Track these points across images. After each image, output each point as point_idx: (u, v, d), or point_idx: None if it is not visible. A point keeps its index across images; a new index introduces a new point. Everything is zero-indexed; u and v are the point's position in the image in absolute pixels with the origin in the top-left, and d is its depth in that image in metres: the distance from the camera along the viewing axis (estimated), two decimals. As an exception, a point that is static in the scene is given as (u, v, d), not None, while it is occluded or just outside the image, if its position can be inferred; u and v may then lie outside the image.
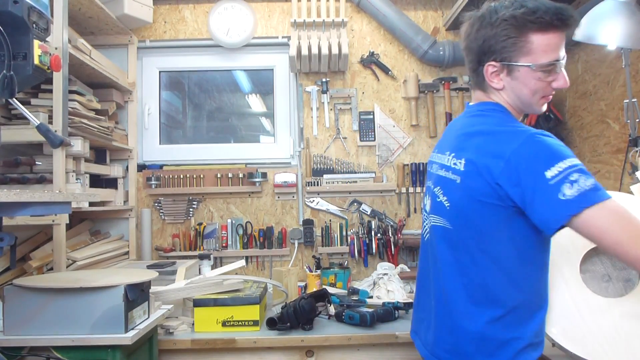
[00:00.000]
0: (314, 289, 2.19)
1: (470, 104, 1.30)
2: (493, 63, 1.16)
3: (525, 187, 1.02)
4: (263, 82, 2.82)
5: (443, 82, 2.66)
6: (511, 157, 1.04)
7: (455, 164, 1.18)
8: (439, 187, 1.24)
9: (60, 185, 1.78)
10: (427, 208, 1.32)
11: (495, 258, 1.13)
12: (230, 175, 2.60)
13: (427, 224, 1.32)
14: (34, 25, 1.19)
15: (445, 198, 1.21)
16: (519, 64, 1.13)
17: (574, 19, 1.13)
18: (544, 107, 1.22)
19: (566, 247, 1.29)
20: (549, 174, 0.99)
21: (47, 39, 1.28)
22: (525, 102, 1.19)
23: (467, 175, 1.13)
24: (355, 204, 2.62)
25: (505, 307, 1.13)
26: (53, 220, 1.77)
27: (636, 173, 1.51)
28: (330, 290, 2.19)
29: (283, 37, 2.67)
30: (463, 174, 1.14)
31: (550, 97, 1.20)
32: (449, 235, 1.19)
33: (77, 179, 1.95)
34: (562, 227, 1.02)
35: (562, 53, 1.14)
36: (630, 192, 1.49)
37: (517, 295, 1.13)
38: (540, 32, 1.11)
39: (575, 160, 1.01)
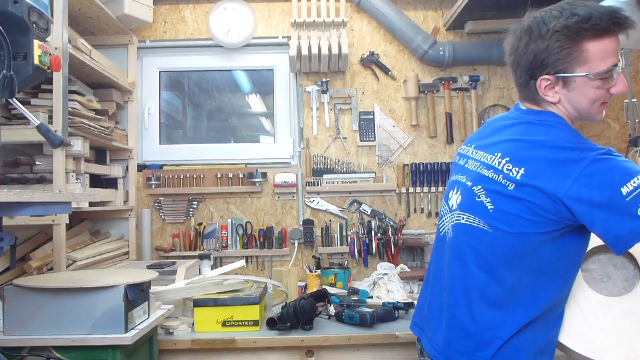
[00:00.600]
0: (314, 289, 2.19)
1: (522, 107, 1.25)
2: (547, 77, 1.12)
3: (598, 205, 1.01)
4: (263, 82, 2.82)
5: (443, 82, 2.66)
6: (581, 176, 1.02)
7: (509, 170, 1.12)
8: (480, 187, 1.18)
9: (60, 185, 1.78)
10: (454, 203, 1.26)
11: (530, 267, 1.11)
12: (230, 175, 2.60)
13: (449, 220, 1.27)
14: (34, 25, 1.19)
15: (488, 200, 1.15)
16: (576, 74, 1.09)
17: (630, 21, 1.07)
18: (603, 114, 1.18)
19: None
20: (625, 190, 0.98)
21: (47, 39, 1.27)
22: (584, 112, 1.16)
23: (524, 186, 1.08)
24: (355, 204, 2.62)
25: (528, 316, 1.12)
26: (53, 220, 1.77)
27: None
28: (330, 290, 2.19)
29: (283, 37, 2.67)
30: (519, 183, 1.09)
31: (607, 103, 1.16)
32: (484, 237, 1.15)
33: (77, 179, 1.95)
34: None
35: (619, 56, 1.10)
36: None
37: (541, 306, 1.12)
38: (596, 39, 1.07)
39: None
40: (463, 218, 1.22)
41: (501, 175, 1.13)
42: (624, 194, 0.98)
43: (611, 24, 1.06)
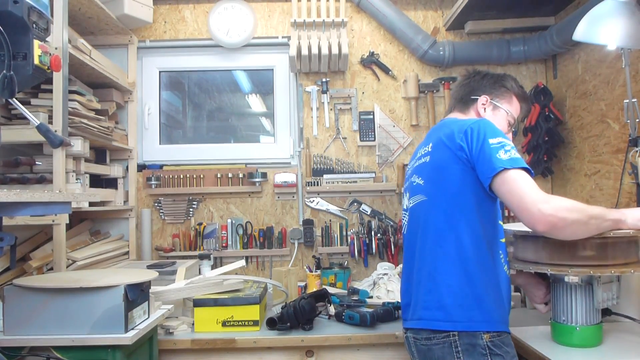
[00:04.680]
0: (314, 289, 2.19)
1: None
2: (485, 97, 1.54)
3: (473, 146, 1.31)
4: (263, 82, 2.82)
5: (443, 82, 2.66)
6: (468, 127, 1.34)
7: (425, 149, 1.47)
8: (415, 175, 1.49)
9: (60, 185, 1.78)
10: (406, 203, 1.54)
11: (463, 212, 1.33)
12: (230, 175, 2.60)
13: (406, 218, 1.53)
14: (34, 25, 1.19)
15: (420, 179, 1.46)
16: (503, 106, 1.55)
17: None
18: None
19: None
20: (492, 141, 1.29)
21: (47, 39, 1.27)
22: None
23: (434, 152, 1.41)
24: (355, 204, 2.62)
25: (472, 265, 1.31)
26: (53, 220, 1.77)
27: None
28: (330, 290, 2.19)
29: (283, 37, 2.67)
30: (431, 153, 1.43)
31: None
32: (425, 205, 1.41)
33: (77, 179, 1.95)
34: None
35: (515, 122, 1.60)
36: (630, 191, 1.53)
37: (479, 255, 1.32)
38: (520, 100, 1.59)
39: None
40: (411, 205, 1.54)
41: (423, 157, 1.54)
42: (490, 143, 1.35)
43: (529, 104, 1.70)
